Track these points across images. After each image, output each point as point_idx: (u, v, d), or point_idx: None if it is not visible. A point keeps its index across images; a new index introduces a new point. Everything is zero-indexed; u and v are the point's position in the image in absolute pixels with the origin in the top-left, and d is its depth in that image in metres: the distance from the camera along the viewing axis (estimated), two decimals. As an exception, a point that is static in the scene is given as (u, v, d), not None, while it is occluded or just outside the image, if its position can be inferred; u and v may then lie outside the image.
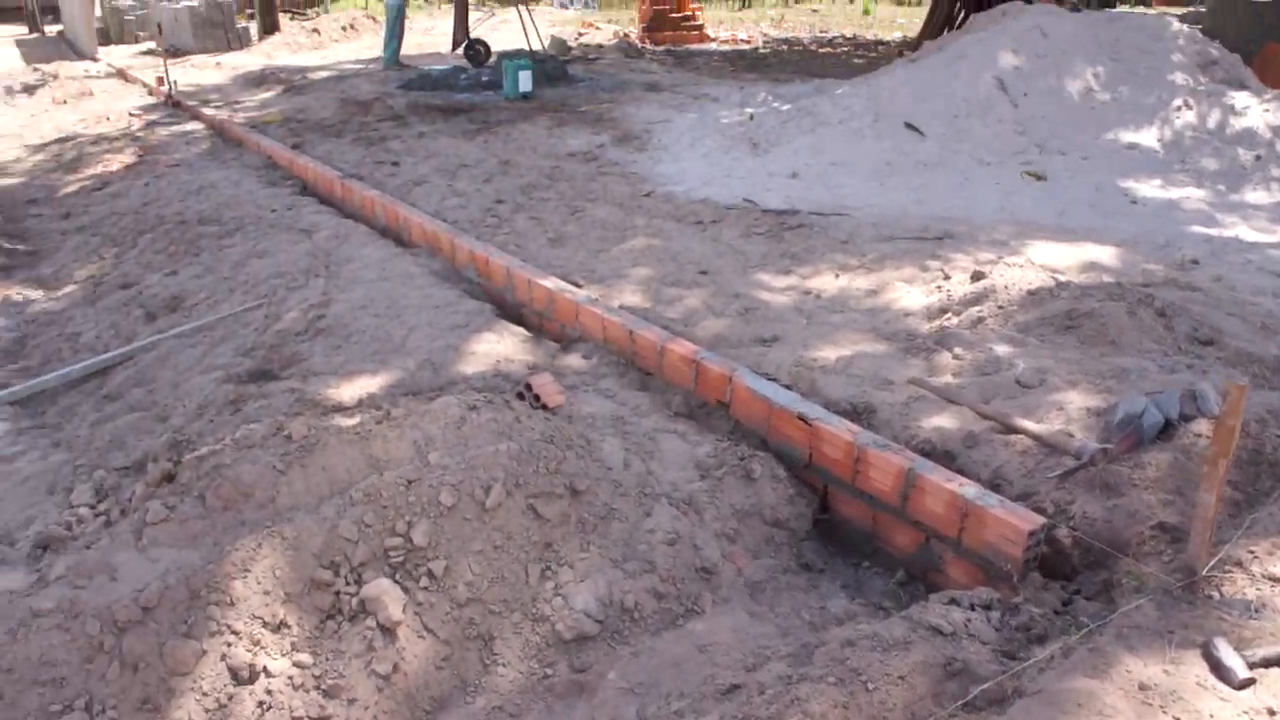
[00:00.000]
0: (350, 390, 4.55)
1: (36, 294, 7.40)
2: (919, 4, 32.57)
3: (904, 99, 8.71)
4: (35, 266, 8.07)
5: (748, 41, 20.05)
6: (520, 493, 3.36)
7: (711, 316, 5.14)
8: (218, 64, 19.04)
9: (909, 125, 8.32)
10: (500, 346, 4.87)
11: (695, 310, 5.23)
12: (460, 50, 15.47)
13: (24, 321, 6.87)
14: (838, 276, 5.70)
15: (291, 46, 21.37)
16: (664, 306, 5.28)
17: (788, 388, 4.20)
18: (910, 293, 5.38)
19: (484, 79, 13.22)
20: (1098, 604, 2.89)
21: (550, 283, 5.40)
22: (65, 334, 6.50)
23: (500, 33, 19.75)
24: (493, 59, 14.85)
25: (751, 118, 9.53)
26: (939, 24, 18.20)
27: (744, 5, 32.08)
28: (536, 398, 4.13)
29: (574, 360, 4.80)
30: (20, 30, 33.29)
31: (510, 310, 5.65)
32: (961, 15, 18.13)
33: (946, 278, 5.51)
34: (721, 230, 6.60)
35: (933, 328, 4.88)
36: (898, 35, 21.63)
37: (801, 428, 3.86)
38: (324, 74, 16.14)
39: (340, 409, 4.36)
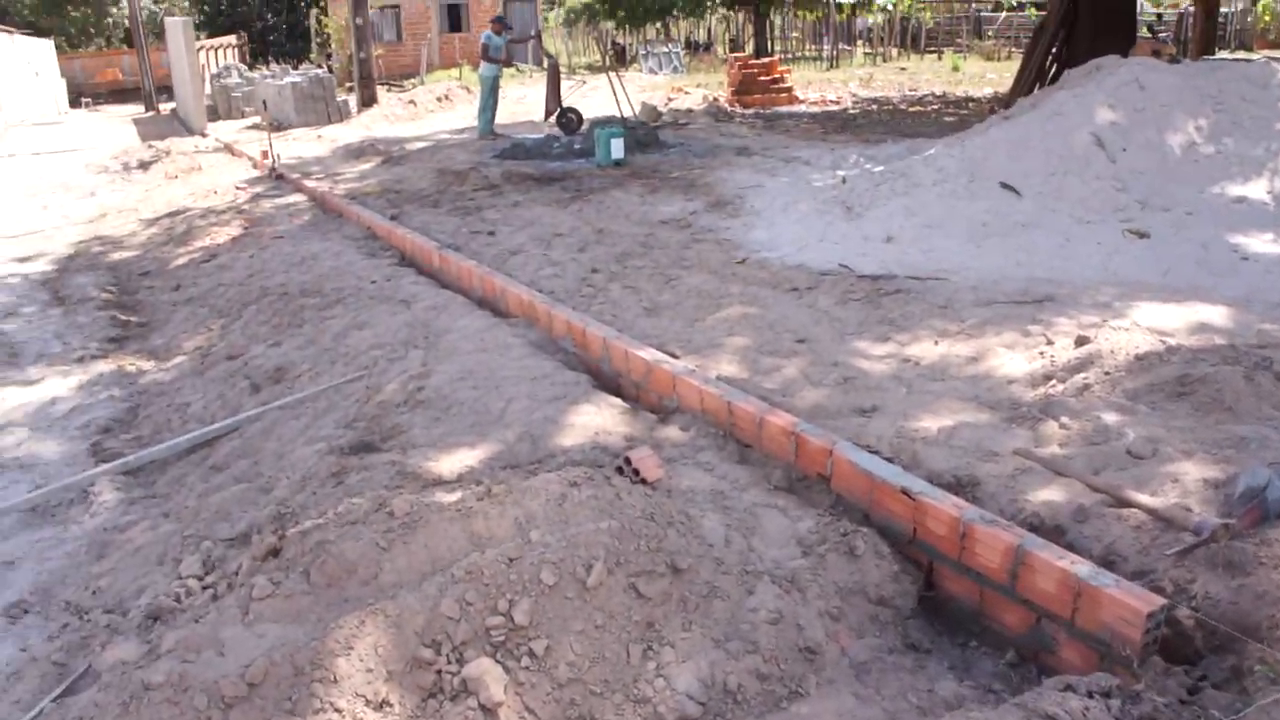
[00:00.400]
0: (450, 463, 4.59)
1: (148, 365, 7.66)
2: (1009, 58, 32.37)
3: (998, 158, 8.61)
4: (147, 338, 8.37)
5: (837, 102, 20.09)
6: (621, 571, 3.34)
7: (810, 386, 5.09)
8: (318, 136, 19.68)
9: (1005, 185, 8.22)
10: (598, 418, 4.88)
11: (793, 380, 5.19)
12: (553, 119, 15.77)
13: (136, 392, 7.12)
14: (937, 343, 5.62)
15: (389, 118, 22.01)
16: (761, 376, 5.26)
17: (889, 460, 4.12)
18: (1012, 359, 5.28)
19: (576, 147, 13.45)
20: (1228, 694, 2.75)
21: (647, 354, 5.41)
22: (175, 404, 6.71)
23: (591, 100, 20.11)
24: (584, 126, 15.09)
25: (844, 181, 9.52)
26: (1030, 80, 18.01)
27: (831, 65, 32.21)
28: (636, 472, 4.12)
29: (672, 432, 4.79)
30: (138, 109, 35.07)
31: (607, 381, 5.67)
32: (1054, 70, 17.95)
33: (1049, 343, 5.39)
34: (817, 297, 6.57)
35: (1037, 396, 4.77)
36: (988, 91, 21.48)
37: (905, 502, 3.78)
38: (420, 145, 16.58)
39: (440, 482, 4.40)
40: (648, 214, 9.52)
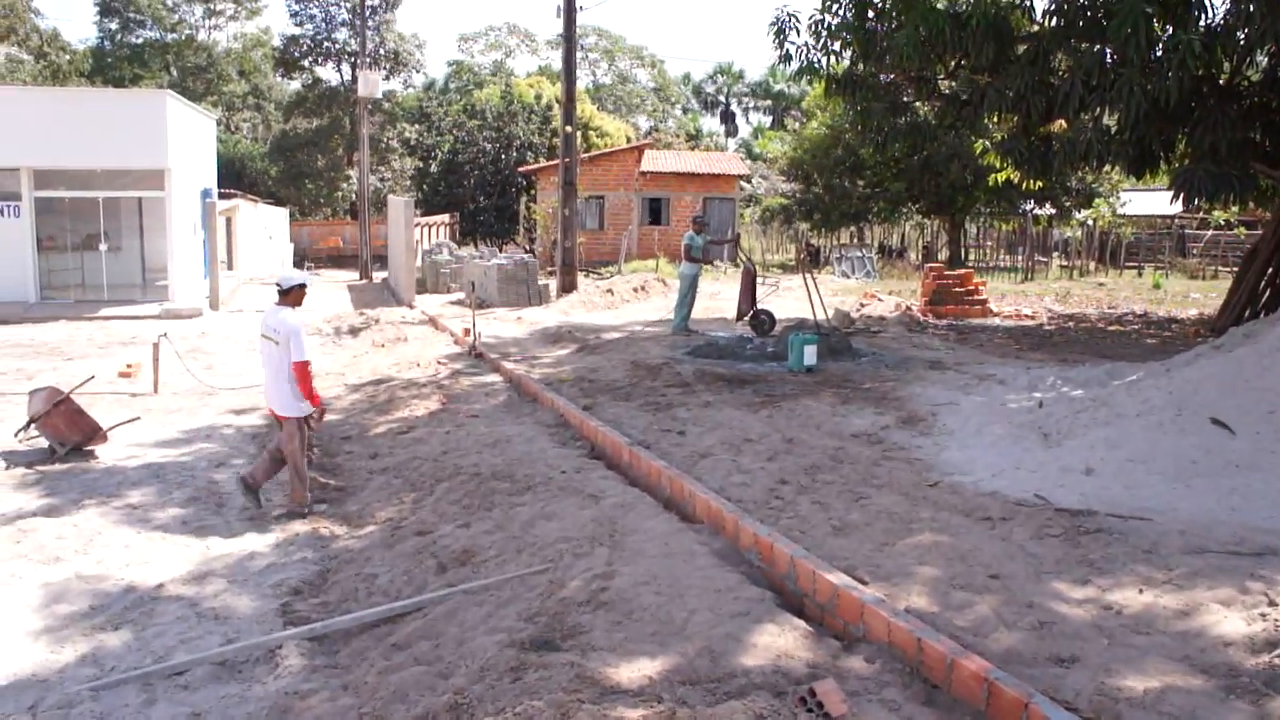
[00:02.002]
0: (629, 671, 4.60)
1: (341, 530, 7.98)
2: (1215, 278, 31.39)
3: (1209, 391, 8.27)
4: (343, 503, 8.74)
5: (1032, 317, 19.81)
6: (803, 817, 3.24)
7: (1003, 628, 4.90)
8: (518, 318, 20.55)
9: (1216, 421, 7.86)
10: (781, 640, 4.82)
11: (985, 619, 5.00)
12: (745, 320, 16.07)
13: (328, 556, 7.42)
14: (1141, 591, 5.33)
15: (586, 305, 22.82)
16: (952, 612, 5.09)
17: (1091, 721, 3.90)
18: (1228, 618, 4.94)
19: (769, 349, 13.60)
20: None
21: (835, 577, 5.34)
22: (363, 574, 6.94)
23: (783, 299, 20.42)
24: (777, 329, 15.30)
25: (1041, 405, 9.31)
26: (1241, 306, 17.41)
27: (1026, 277, 31.93)
28: (820, 705, 4.04)
29: (856, 663, 4.67)
30: (353, 275, 37.75)
31: (791, 599, 5.60)
32: (1266, 295, 17.30)
33: (1272, 604, 5.02)
34: (1012, 529, 6.36)
35: (1260, 665, 4.43)
36: (1193, 312, 20.82)
37: (1109, 773, 3.56)
38: (615, 335, 17.10)
39: (619, 691, 4.41)
40: (839, 425, 9.49)
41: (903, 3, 15.74)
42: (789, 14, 16.52)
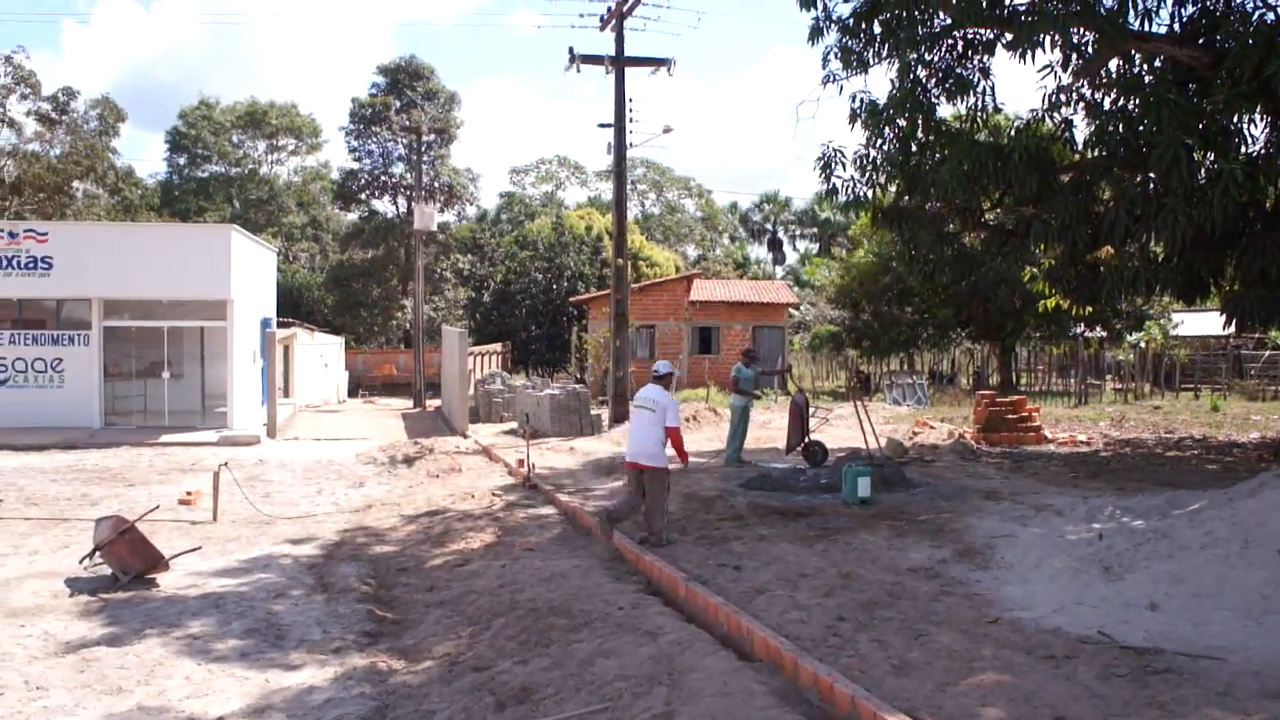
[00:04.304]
0: (691, 817, 4.55)
1: (398, 664, 7.93)
2: (1275, 399, 30.90)
3: (1276, 522, 8.12)
4: (400, 636, 8.71)
5: (1087, 443, 19.60)
6: None
7: (1073, 774, 4.81)
8: (571, 448, 20.63)
9: (1283, 554, 7.73)
10: (845, 785, 4.75)
11: (1054, 764, 4.91)
12: (796, 450, 16.02)
13: (386, 691, 7.36)
14: (1217, 737, 5.21)
15: (639, 436, 22.81)
16: (1019, 757, 5.01)
17: None
18: (1312, 769, 4.81)
19: (822, 481, 13.53)
20: None
21: (897, 719, 5.28)
22: (421, 710, 6.88)
23: (835, 428, 20.38)
24: (830, 460, 15.25)
25: (1101, 537, 9.19)
26: (1304, 431, 17.13)
27: (1080, 402, 31.63)
28: None
29: (922, 810, 4.60)
30: (407, 403, 38.24)
31: (852, 741, 5.53)
32: (1330, 421, 17.03)
33: (1359, 756, 4.89)
34: (1076, 668, 6.25)
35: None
36: (1254, 435, 20.46)
37: None
38: (668, 466, 17.08)
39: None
40: (895, 559, 9.43)
41: (946, 137, 16.08)
42: (834, 149, 16.88)
